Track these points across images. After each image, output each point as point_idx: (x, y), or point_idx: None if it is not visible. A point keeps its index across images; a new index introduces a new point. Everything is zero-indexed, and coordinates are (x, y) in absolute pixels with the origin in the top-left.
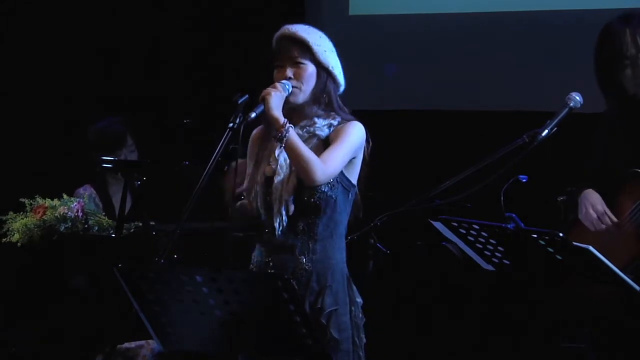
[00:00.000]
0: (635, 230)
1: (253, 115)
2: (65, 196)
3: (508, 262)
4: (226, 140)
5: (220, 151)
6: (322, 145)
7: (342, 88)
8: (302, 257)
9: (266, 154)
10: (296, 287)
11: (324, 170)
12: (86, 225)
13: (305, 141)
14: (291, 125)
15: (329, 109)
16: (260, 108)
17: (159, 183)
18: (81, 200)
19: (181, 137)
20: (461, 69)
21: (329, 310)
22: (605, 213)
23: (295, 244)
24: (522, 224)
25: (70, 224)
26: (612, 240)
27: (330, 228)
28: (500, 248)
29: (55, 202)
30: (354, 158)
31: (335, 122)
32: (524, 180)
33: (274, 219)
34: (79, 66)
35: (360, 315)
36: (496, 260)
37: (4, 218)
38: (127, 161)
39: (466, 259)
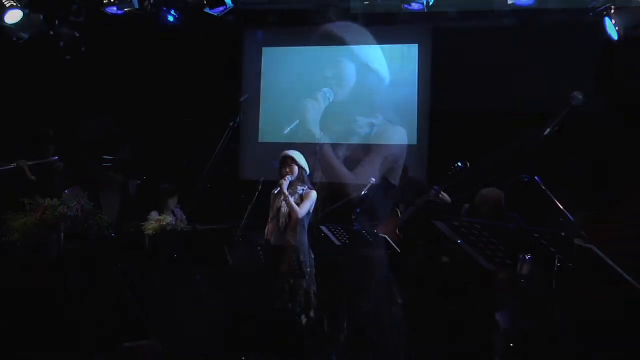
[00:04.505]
0: None
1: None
2: (65, 196)
3: (510, 262)
4: (227, 139)
5: (221, 150)
6: (362, 147)
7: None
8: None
9: None
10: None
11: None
12: (86, 225)
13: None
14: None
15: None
16: (296, 123)
17: (158, 183)
18: (81, 200)
19: (181, 136)
20: (461, 69)
21: (367, 310)
22: None
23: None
24: (524, 224)
25: (70, 223)
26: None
27: None
28: (502, 247)
29: (55, 202)
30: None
31: (376, 122)
32: (526, 180)
33: None
34: (80, 68)
35: (401, 315)
36: (498, 260)
37: (4, 218)
38: (127, 161)
39: (468, 258)
